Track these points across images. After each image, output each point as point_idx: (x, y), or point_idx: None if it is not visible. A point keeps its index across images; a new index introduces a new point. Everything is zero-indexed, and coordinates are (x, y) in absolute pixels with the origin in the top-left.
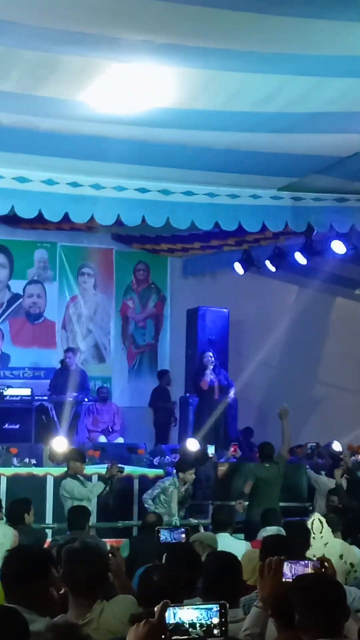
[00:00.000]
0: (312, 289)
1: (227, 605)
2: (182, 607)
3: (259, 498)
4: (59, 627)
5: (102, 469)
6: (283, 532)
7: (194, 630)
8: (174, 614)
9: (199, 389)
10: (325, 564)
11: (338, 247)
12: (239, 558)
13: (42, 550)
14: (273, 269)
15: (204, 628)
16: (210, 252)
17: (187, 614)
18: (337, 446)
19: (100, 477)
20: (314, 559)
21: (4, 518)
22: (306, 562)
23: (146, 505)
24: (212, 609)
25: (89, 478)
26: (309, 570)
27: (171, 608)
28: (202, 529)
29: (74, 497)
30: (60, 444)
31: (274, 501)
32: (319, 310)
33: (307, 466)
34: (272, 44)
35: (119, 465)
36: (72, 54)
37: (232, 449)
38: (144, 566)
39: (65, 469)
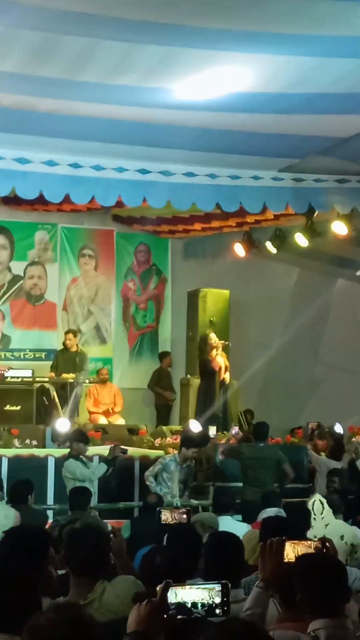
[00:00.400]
0: (313, 271)
1: (229, 585)
2: (184, 587)
3: (251, 478)
4: (61, 607)
5: (103, 450)
6: (283, 514)
7: (195, 610)
8: (176, 594)
9: (206, 370)
10: (327, 544)
11: (339, 228)
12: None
13: (39, 530)
14: (274, 250)
15: (206, 608)
16: (211, 233)
17: (189, 593)
18: (339, 428)
19: (103, 459)
20: (315, 539)
21: (5, 498)
22: (308, 542)
23: (148, 483)
24: (214, 588)
25: (90, 459)
26: (311, 550)
27: (173, 588)
28: (200, 510)
29: (76, 478)
30: (63, 424)
31: (267, 481)
32: (320, 291)
33: (308, 447)
34: (274, 25)
35: (122, 447)
36: (72, 34)
37: (233, 431)
38: (145, 547)
39: (65, 450)
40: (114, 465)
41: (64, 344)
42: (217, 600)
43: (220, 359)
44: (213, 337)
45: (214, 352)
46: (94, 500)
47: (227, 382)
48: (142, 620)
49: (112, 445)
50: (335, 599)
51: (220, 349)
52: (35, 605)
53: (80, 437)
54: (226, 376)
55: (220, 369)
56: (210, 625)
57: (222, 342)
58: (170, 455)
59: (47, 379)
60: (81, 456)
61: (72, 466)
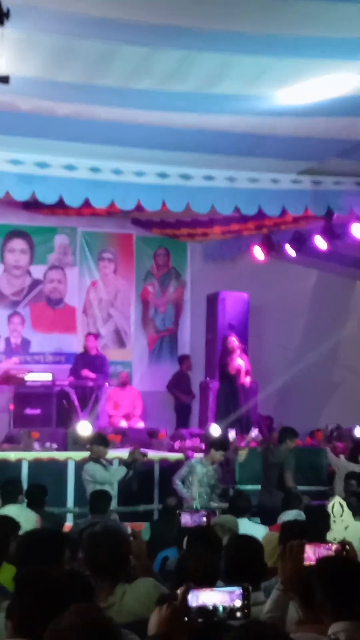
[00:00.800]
0: (332, 273)
1: (250, 588)
2: (204, 590)
3: (270, 482)
4: (82, 611)
5: (123, 453)
6: (303, 516)
7: (216, 613)
8: (197, 597)
9: (224, 373)
10: (347, 547)
11: (358, 230)
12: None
13: (54, 532)
14: (293, 253)
15: (227, 611)
16: (230, 236)
17: (209, 596)
18: (358, 431)
19: (122, 462)
20: (335, 542)
21: (25, 501)
22: (328, 545)
23: (175, 488)
24: (234, 591)
25: (110, 462)
26: (331, 553)
27: (194, 591)
28: (218, 513)
29: (96, 481)
30: (84, 427)
31: (282, 484)
32: (339, 294)
33: (327, 449)
34: (293, 27)
35: (142, 449)
36: (91, 38)
37: (253, 433)
38: (164, 549)
39: (85, 454)
40: (133, 469)
41: (85, 346)
42: (238, 603)
43: (240, 362)
44: (232, 340)
45: (234, 355)
46: (114, 503)
47: (248, 385)
48: (162, 623)
49: (132, 448)
50: (356, 602)
51: (239, 351)
52: (57, 608)
53: (100, 440)
54: (247, 380)
55: (239, 371)
56: (231, 628)
57: (241, 345)
58: (196, 458)
59: (66, 383)
60: (101, 459)
61: (91, 469)
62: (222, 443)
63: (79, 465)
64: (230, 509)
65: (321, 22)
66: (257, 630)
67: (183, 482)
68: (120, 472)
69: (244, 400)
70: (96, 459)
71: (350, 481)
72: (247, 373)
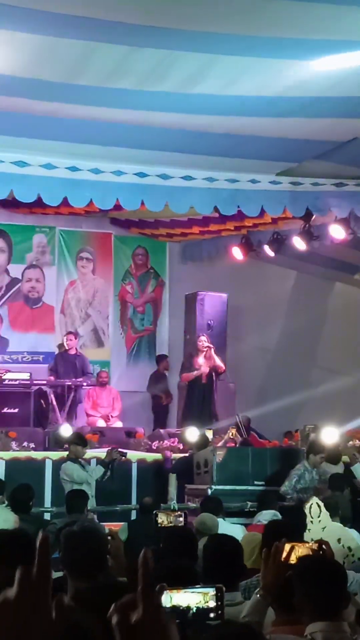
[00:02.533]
0: (311, 274)
1: (224, 589)
2: (178, 591)
3: None
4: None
5: (101, 453)
6: (279, 516)
7: (190, 614)
8: (171, 598)
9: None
10: (323, 546)
11: (337, 232)
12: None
13: (23, 532)
14: (272, 253)
15: (200, 611)
16: (209, 237)
17: (183, 597)
18: (330, 434)
19: (100, 461)
20: (312, 542)
21: (5, 502)
22: (307, 544)
23: (286, 496)
24: (208, 592)
25: (87, 462)
26: (310, 552)
27: (168, 592)
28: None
29: (73, 480)
30: (67, 430)
31: None
32: (318, 295)
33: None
34: (273, 28)
35: (120, 449)
36: (70, 38)
37: (230, 433)
38: (142, 549)
39: (63, 453)
40: (111, 468)
41: (62, 345)
42: (212, 604)
43: (201, 362)
44: (201, 340)
45: (199, 355)
46: (92, 503)
47: (211, 383)
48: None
49: (110, 448)
50: (335, 602)
51: (206, 352)
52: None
53: (78, 440)
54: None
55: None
56: (207, 628)
57: (210, 345)
58: (300, 465)
59: (44, 382)
60: (79, 459)
61: (69, 469)
62: (319, 446)
63: (57, 465)
64: (202, 511)
65: (300, 23)
66: (231, 631)
67: (297, 491)
68: (97, 471)
69: (218, 400)
70: (74, 458)
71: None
72: (217, 373)
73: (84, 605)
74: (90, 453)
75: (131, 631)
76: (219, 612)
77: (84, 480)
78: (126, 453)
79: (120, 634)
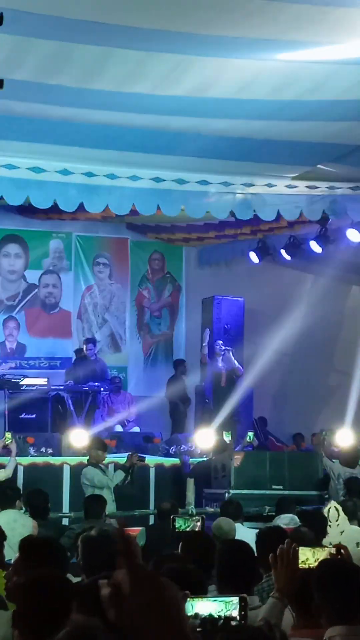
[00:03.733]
0: (327, 278)
1: (247, 598)
2: (201, 599)
3: None
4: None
5: (118, 458)
6: (297, 520)
7: (213, 623)
8: (193, 606)
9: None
10: (342, 550)
11: (353, 235)
12: (253, 545)
13: (54, 539)
14: (288, 257)
15: (222, 621)
16: (225, 241)
17: (206, 606)
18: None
19: (120, 466)
20: (330, 546)
21: (23, 508)
22: (324, 547)
23: None
24: (231, 601)
25: (106, 467)
26: (328, 556)
27: (190, 600)
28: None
29: (94, 485)
30: (78, 437)
31: None
32: (334, 298)
33: (322, 453)
34: (288, 32)
35: (139, 454)
36: (86, 43)
37: (248, 437)
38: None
39: (81, 458)
40: (131, 473)
41: (82, 350)
42: (235, 613)
43: (220, 364)
44: (217, 344)
45: (218, 358)
46: (112, 508)
47: (234, 386)
48: None
49: (130, 453)
50: (354, 605)
51: (223, 355)
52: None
53: (99, 445)
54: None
55: (219, 375)
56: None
57: (228, 348)
58: None
59: (62, 387)
60: (100, 464)
61: (90, 473)
62: None
63: (75, 470)
64: (221, 515)
65: (315, 26)
66: (250, 635)
67: None
68: (118, 476)
69: (236, 403)
70: (94, 463)
71: (347, 485)
72: (236, 375)
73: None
74: (108, 458)
75: (124, 603)
76: (242, 622)
77: (104, 485)
78: (145, 457)
79: (113, 608)
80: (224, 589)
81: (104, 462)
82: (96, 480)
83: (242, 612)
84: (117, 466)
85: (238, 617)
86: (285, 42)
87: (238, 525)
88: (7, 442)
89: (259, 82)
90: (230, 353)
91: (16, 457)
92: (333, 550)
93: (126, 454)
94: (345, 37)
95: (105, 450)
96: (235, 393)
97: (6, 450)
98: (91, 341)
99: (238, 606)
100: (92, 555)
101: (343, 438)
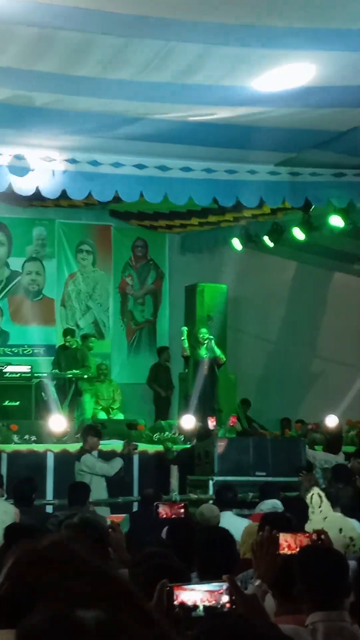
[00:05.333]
0: (311, 264)
1: (236, 581)
2: (186, 588)
3: None
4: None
5: (103, 445)
6: (280, 506)
7: (198, 611)
8: (179, 595)
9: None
10: (322, 536)
11: (336, 222)
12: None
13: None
14: (271, 244)
15: (211, 608)
16: (208, 228)
17: (190, 595)
18: (333, 420)
19: (118, 454)
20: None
21: (5, 495)
22: (308, 534)
23: None
24: (221, 587)
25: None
26: (310, 542)
27: (177, 588)
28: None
29: (94, 472)
30: (57, 423)
31: None
32: (318, 285)
33: (304, 440)
34: (273, 18)
35: (133, 442)
36: (68, 29)
37: (230, 421)
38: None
39: (64, 446)
40: (127, 460)
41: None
42: (225, 599)
43: (202, 352)
44: (202, 332)
45: (201, 346)
46: (104, 495)
47: (215, 374)
48: None
49: (126, 440)
50: (337, 592)
51: (207, 344)
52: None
53: (93, 432)
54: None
55: (201, 362)
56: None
57: (211, 337)
58: None
59: (45, 375)
60: (93, 451)
61: (89, 461)
62: None
63: (58, 458)
64: (216, 502)
65: (299, 12)
66: (228, 621)
67: None
68: (117, 463)
69: (210, 389)
70: (89, 450)
71: (328, 472)
72: (217, 364)
73: None
74: None
75: None
76: (234, 606)
77: (105, 472)
78: (137, 445)
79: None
80: (205, 576)
81: (98, 448)
82: (97, 467)
83: (232, 597)
84: (113, 454)
85: (228, 603)
86: (268, 28)
87: (227, 514)
88: None
89: (242, 69)
90: (213, 342)
91: None
92: (314, 536)
93: (110, 441)
94: (327, 22)
95: (100, 438)
96: (218, 380)
97: None
98: (68, 333)
99: (228, 591)
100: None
101: (329, 423)
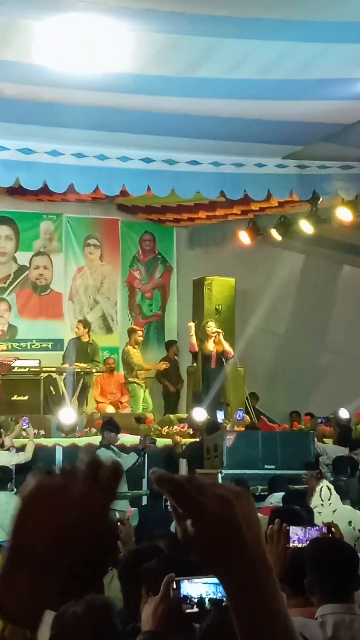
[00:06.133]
0: (318, 257)
1: None
2: (191, 581)
3: None
4: (90, 604)
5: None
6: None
7: (204, 604)
8: (184, 587)
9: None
10: (332, 529)
11: (344, 214)
12: None
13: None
14: (279, 237)
15: (215, 601)
16: (216, 221)
17: (196, 588)
18: (344, 413)
19: (134, 449)
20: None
21: (15, 489)
22: (318, 527)
23: None
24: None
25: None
26: (320, 535)
27: (182, 581)
28: None
29: None
30: (67, 415)
31: None
32: (326, 278)
33: (314, 433)
34: (277, 11)
35: (150, 437)
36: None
37: (238, 416)
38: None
39: (73, 440)
40: (143, 455)
41: (76, 333)
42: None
43: (211, 346)
44: (211, 326)
45: (210, 340)
46: (124, 488)
47: (223, 367)
48: (157, 619)
49: (143, 435)
50: (346, 584)
51: (215, 337)
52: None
53: (111, 427)
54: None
55: (209, 356)
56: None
57: (219, 330)
58: None
59: (54, 369)
60: (112, 445)
61: (105, 455)
62: None
63: (67, 452)
64: None
65: (304, 5)
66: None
67: None
68: (132, 458)
69: (227, 384)
70: (107, 445)
71: (340, 465)
72: (225, 358)
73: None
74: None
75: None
76: None
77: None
78: (155, 440)
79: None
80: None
81: (116, 443)
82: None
83: None
84: (130, 448)
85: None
86: (273, 21)
87: None
88: (24, 427)
89: (248, 62)
90: (221, 336)
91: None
92: (324, 529)
93: (118, 435)
94: (333, 15)
95: (118, 432)
96: (226, 374)
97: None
98: (80, 322)
99: None
100: None
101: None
